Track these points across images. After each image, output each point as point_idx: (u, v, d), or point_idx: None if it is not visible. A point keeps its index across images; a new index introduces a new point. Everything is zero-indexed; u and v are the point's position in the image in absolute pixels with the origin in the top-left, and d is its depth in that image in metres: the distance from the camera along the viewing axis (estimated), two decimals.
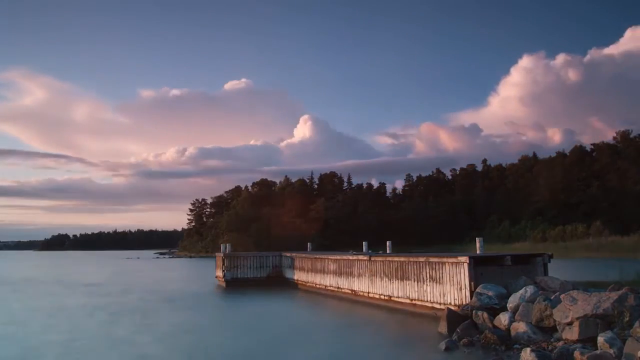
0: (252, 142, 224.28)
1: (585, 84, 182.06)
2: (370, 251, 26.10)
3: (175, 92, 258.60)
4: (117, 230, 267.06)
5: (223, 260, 29.40)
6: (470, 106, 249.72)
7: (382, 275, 18.83)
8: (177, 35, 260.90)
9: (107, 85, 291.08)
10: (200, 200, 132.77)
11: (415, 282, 16.75)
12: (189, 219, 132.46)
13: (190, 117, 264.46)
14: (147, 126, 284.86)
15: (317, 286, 24.91)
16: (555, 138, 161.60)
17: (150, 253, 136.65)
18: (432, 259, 16.06)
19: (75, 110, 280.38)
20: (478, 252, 17.35)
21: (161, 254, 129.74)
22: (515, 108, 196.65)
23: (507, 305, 12.61)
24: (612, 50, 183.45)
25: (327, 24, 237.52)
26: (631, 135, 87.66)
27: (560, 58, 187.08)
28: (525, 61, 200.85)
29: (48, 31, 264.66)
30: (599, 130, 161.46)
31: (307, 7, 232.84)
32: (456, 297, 14.69)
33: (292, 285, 27.85)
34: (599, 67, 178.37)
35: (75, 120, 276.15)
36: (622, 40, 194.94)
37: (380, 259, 19.20)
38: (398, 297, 17.70)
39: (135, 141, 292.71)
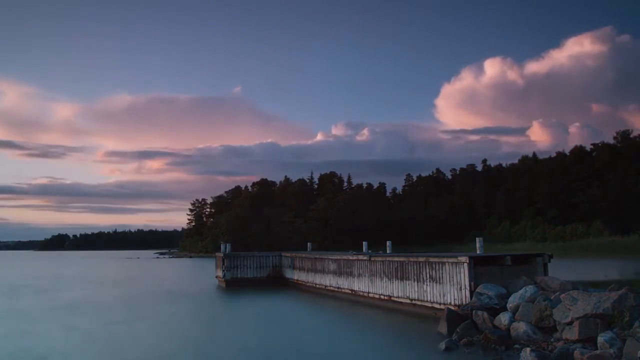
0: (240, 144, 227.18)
1: (527, 89, 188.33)
2: (370, 251, 26.08)
3: (163, 95, 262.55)
4: (117, 231, 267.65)
5: (223, 260, 29.38)
6: (414, 113, 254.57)
7: (382, 275, 18.82)
8: (148, 40, 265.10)
9: (87, 88, 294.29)
10: (200, 200, 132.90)
11: (415, 282, 16.74)
12: (189, 219, 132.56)
13: (181, 119, 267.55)
14: (140, 127, 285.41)
15: (317, 286, 24.90)
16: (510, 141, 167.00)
17: (150, 253, 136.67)
18: (432, 259, 16.05)
19: (56, 113, 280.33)
20: (478, 252, 17.32)
21: (161, 254, 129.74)
22: (458, 114, 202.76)
23: (507, 305, 12.61)
24: (551, 57, 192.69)
25: (277, 32, 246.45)
26: (631, 135, 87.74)
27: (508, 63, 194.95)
28: (468, 68, 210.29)
29: (17, 33, 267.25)
30: (545, 131, 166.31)
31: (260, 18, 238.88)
32: (456, 297, 14.67)
33: (292, 285, 27.83)
34: (539, 74, 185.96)
35: (61, 123, 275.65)
36: (557, 50, 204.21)
37: (380, 259, 19.18)
38: (398, 297, 17.68)
39: (131, 142, 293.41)
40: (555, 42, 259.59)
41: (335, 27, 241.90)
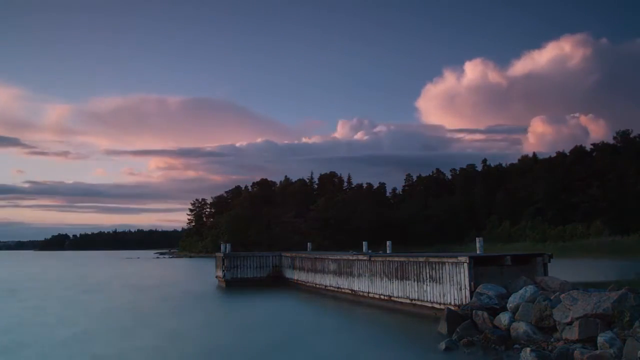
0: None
1: (507, 90, 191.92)
2: (370, 251, 26.08)
3: (160, 96, 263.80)
4: (117, 231, 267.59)
5: (223, 260, 29.39)
6: (399, 113, 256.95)
7: (382, 275, 18.82)
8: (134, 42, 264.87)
9: (79, 89, 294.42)
10: (200, 200, 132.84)
11: (415, 282, 16.74)
12: (189, 219, 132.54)
13: (178, 119, 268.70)
14: (138, 128, 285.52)
15: (317, 286, 24.90)
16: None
17: (150, 253, 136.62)
18: (432, 259, 16.05)
19: (49, 114, 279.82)
20: (478, 252, 17.33)
21: (161, 254, 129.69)
22: (438, 114, 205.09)
23: (507, 305, 12.61)
24: (532, 59, 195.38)
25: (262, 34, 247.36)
26: (631, 135, 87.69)
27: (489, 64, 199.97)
28: (451, 70, 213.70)
29: (6, 35, 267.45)
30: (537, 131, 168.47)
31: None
32: (456, 297, 14.68)
33: (292, 285, 27.83)
34: (520, 76, 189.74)
35: (55, 124, 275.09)
36: (538, 51, 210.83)
37: (380, 259, 19.18)
38: (398, 297, 17.69)
39: (130, 142, 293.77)
40: (537, 44, 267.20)
41: (322, 30, 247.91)
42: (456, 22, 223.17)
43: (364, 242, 27.98)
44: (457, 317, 12.89)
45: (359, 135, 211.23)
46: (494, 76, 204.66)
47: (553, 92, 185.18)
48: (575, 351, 9.32)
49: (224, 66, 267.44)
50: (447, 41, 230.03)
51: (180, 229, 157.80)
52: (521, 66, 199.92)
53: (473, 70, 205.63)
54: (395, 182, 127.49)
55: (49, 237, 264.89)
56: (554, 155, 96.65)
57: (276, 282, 28.88)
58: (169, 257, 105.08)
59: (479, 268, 14.45)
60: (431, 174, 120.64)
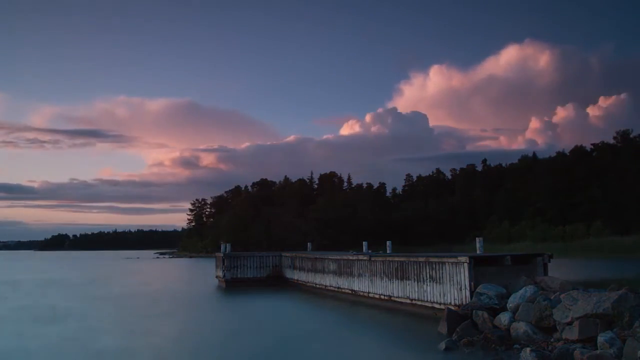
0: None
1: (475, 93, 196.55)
2: (370, 251, 26.07)
3: (155, 97, 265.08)
4: (117, 231, 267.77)
5: (223, 260, 29.38)
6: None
7: (382, 275, 18.82)
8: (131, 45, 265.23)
9: (68, 91, 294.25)
10: (200, 200, 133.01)
11: (415, 282, 16.74)
12: (189, 219, 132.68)
13: (176, 121, 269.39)
14: (136, 129, 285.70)
15: (317, 286, 24.89)
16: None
17: (150, 253, 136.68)
18: (432, 259, 16.05)
19: (42, 116, 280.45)
20: (478, 252, 17.34)
21: (161, 254, 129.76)
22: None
23: (507, 305, 12.61)
24: (498, 60, 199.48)
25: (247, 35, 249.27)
26: (631, 135, 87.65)
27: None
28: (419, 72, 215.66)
29: None
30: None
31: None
32: (456, 297, 14.68)
33: (292, 285, 27.83)
34: (486, 79, 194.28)
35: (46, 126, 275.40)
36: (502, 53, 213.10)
37: (380, 259, 19.18)
38: (398, 297, 17.69)
39: (129, 142, 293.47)
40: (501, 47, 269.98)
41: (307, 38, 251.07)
42: (422, 25, 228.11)
43: (364, 242, 27.96)
44: (457, 317, 12.89)
45: (359, 135, 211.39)
46: (458, 79, 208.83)
47: (517, 94, 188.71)
48: (575, 351, 9.32)
49: (223, 70, 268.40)
50: (414, 45, 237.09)
51: (180, 229, 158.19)
52: (512, 65, 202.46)
53: (437, 73, 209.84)
54: (395, 182, 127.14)
55: (49, 237, 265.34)
56: (554, 155, 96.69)
57: (276, 282, 28.87)
58: (169, 257, 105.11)
59: (479, 268, 14.45)
60: (431, 174, 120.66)
